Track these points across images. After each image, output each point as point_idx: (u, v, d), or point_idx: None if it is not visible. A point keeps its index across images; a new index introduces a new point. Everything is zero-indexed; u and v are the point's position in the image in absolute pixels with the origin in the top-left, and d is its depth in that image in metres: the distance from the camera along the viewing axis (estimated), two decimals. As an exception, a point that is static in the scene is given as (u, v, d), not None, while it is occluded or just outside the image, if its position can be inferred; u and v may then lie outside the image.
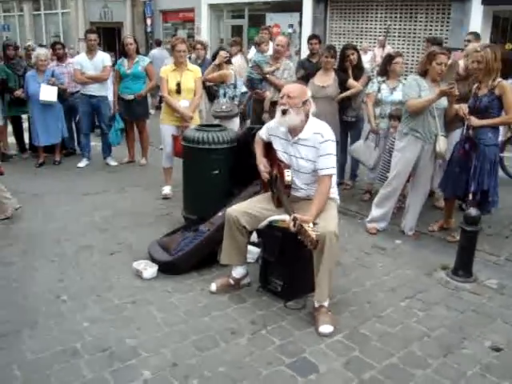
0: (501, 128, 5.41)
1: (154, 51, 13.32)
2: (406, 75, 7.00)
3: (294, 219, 3.42)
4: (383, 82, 6.01)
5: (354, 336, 3.48)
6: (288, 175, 3.73)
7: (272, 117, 6.41)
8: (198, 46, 8.66)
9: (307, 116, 3.75)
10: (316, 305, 3.63)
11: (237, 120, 6.78)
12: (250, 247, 4.21)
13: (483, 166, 4.76)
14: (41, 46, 13.58)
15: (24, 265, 4.47)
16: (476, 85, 4.83)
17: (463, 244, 4.34)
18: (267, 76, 6.66)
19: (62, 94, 7.67)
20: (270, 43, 7.80)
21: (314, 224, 3.41)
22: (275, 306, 3.83)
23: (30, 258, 4.61)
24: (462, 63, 5.80)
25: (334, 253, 3.55)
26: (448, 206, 5.36)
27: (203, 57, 8.65)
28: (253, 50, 8.63)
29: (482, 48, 4.81)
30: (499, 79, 4.68)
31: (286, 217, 3.61)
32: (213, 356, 3.23)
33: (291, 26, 17.85)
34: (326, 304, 3.61)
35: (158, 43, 14.08)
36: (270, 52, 7.90)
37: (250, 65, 7.60)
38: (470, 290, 4.17)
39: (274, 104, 6.58)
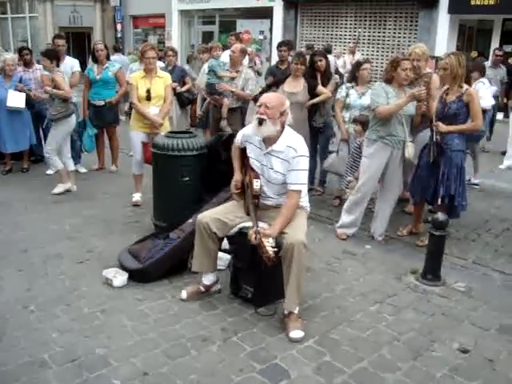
0: None
1: (114, 57, 13.12)
2: (375, 81, 7.10)
3: (256, 232, 3.45)
4: (352, 87, 6.13)
5: (325, 341, 3.50)
6: (257, 185, 3.74)
7: (230, 124, 6.46)
8: (170, 52, 8.65)
9: (283, 127, 3.74)
10: (285, 312, 3.64)
11: None
12: (220, 254, 4.21)
13: (450, 171, 4.86)
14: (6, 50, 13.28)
15: (-10, 274, 4.38)
16: (443, 90, 4.93)
17: (431, 248, 4.41)
18: (233, 90, 6.64)
19: (29, 100, 7.54)
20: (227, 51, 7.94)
21: (281, 233, 3.45)
22: (246, 312, 3.83)
23: (-4, 267, 4.52)
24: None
25: (303, 262, 3.56)
26: (417, 211, 5.45)
27: (173, 64, 8.65)
28: (225, 54, 8.72)
29: (446, 55, 4.93)
30: (466, 86, 4.79)
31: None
32: (184, 364, 3.22)
33: (262, 32, 17.96)
34: (295, 311, 3.62)
35: (117, 49, 13.92)
36: (224, 57, 8.02)
37: (207, 70, 7.70)
38: (438, 293, 4.24)
39: (231, 111, 6.63)
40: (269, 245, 3.36)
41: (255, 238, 3.46)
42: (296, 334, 3.49)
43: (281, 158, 3.70)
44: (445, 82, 4.90)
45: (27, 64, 8.13)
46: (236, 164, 4.08)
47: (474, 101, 4.78)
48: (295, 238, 3.49)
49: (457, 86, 4.79)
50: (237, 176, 4.03)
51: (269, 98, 3.77)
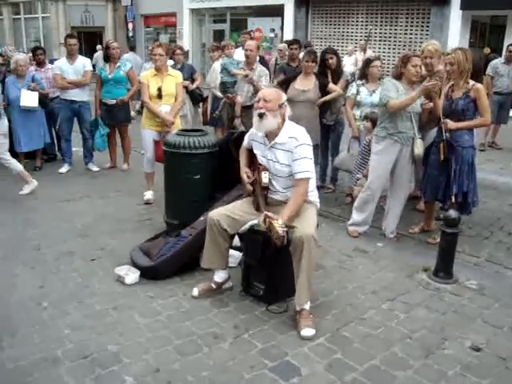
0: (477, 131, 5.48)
1: (127, 55, 13.18)
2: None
3: (266, 216, 3.50)
4: (362, 85, 6.12)
5: (336, 339, 3.49)
6: (265, 177, 3.78)
7: (243, 122, 6.47)
8: (178, 51, 8.68)
9: (283, 120, 3.77)
10: (297, 308, 3.64)
11: None
12: (231, 251, 4.22)
13: (462, 168, 4.83)
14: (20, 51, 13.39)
15: (4, 272, 4.41)
16: (448, 86, 4.90)
17: (444, 246, 4.39)
18: (247, 74, 6.67)
19: (42, 99, 7.60)
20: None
21: (291, 227, 3.49)
22: (257, 309, 3.84)
23: (9, 264, 4.55)
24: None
25: (313, 256, 3.56)
26: (428, 209, 5.42)
27: (182, 62, 8.68)
28: (237, 52, 8.76)
29: (452, 50, 4.89)
30: (472, 82, 4.76)
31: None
32: (195, 361, 3.23)
33: (273, 30, 17.95)
34: (307, 307, 3.62)
35: (131, 48, 14.00)
36: (237, 55, 8.04)
37: (220, 69, 7.73)
38: (450, 291, 4.22)
39: (245, 109, 6.64)
40: (278, 225, 3.39)
41: (264, 221, 3.49)
42: (307, 332, 3.49)
43: (284, 149, 3.73)
44: (451, 78, 4.86)
45: (40, 64, 8.20)
46: (242, 161, 4.11)
47: (481, 96, 4.76)
48: (304, 232, 3.50)
49: (463, 82, 4.77)
50: (244, 168, 4.06)
51: (266, 92, 3.83)
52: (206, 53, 11.12)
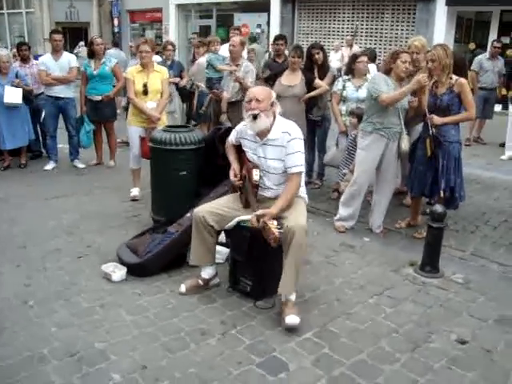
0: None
1: (111, 51, 13.07)
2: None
3: (258, 216, 3.46)
4: (348, 80, 6.13)
5: (324, 333, 3.51)
6: (256, 174, 3.76)
7: (229, 117, 6.47)
8: (169, 47, 8.64)
9: (275, 117, 3.77)
10: (282, 299, 3.64)
11: None
12: (218, 247, 4.21)
13: (449, 163, 4.86)
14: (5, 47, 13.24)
15: (-11, 270, 4.38)
16: (432, 83, 4.92)
17: (430, 240, 4.42)
18: (234, 70, 6.66)
19: (27, 96, 7.52)
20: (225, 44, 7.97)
21: (281, 218, 3.46)
22: (245, 305, 3.84)
23: (-5, 263, 4.52)
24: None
25: (303, 247, 3.57)
26: (415, 204, 5.45)
27: (172, 59, 8.65)
28: (223, 48, 8.74)
29: (432, 47, 4.93)
30: (456, 77, 4.79)
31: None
32: (183, 357, 3.23)
33: (259, 25, 17.93)
34: (292, 298, 3.62)
35: (116, 44, 13.90)
36: (223, 51, 8.05)
37: (205, 65, 7.72)
38: (436, 285, 4.25)
39: (231, 104, 6.63)
40: (274, 226, 3.37)
41: (257, 221, 3.47)
42: (291, 319, 3.48)
43: (276, 145, 3.73)
44: (434, 74, 4.87)
45: (24, 59, 8.11)
46: (231, 157, 4.09)
47: (465, 90, 4.79)
48: (296, 222, 3.51)
49: (445, 77, 4.80)
50: (234, 165, 4.04)
51: (257, 91, 3.79)
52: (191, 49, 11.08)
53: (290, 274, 3.56)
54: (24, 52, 8.13)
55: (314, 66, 6.40)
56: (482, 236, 5.37)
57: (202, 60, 8.46)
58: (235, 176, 3.96)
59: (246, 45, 8.91)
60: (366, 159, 5.14)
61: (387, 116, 4.98)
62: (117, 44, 12.83)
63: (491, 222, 5.77)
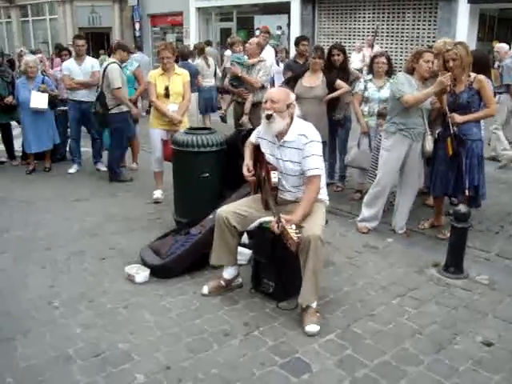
0: None
1: (135, 55, 13.20)
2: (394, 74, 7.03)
3: (278, 221, 3.44)
4: (370, 80, 6.08)
5: (347, 335, 3.49)
6: (274, 177, 3.74)
7: (251, 119, 6.48)
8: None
9: (292, 119, 3.77)
10: (303, 305, 3.63)
11: None
12: (241, 249, 4.22)
13: (472, 161, 4.81)
14: (32, 52, 13.44)
15: (15, 272, 4.45)
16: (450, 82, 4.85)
17: (454, 241, 4.37)
18: (240, 75, 6.77)
19: (53, 101, 7.64)
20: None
21: (299, 227, 3.43)
22: (267, 307, 3.84)
23: (21, 265, 4.59)
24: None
25: (320, 256, 3.54)
26: (437, 204, 5.39)
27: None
28: (228, 51, 8.78)
29: (452, 46, 4.85)
30: (474, 74, 4.74)
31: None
32: (206, 358, 3.24)
33: (280, 27, 17.91)
34: (313, 305, 3.61)
35: (139, 47, 14.05)
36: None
37: (228, 65, 7.74)
38: (461, 286, 4.20)
39: (253, 106, 6.65)
40: (292, 231, 3.35)
41: (277, 227, 3.44)
42: (311, 328, 3.49)
43: (293, 147, 3.73)
44: (454, 74, 4.78)
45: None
46: (247, 153, 4.11)
47: (484, 86, 4.74)
48: (312, 232, 3.48)
49: (465, 76, 4.74)
50: (247, 161, 4.05)
51: (273, 92, 3.83)
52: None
53: (310, 284, 3.55)
54: (64, 57, 8.52)
55: (333, 66, 6.36)
56: (507, 236, 5.29)
57: (228, 52, 8.57)
58: (248, 171, 3.97)
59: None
60: (390, 160, 5.10)
61: (410, 116, 4.93)
62: (140, 48, 12.97)
63: (516, 222, 5.69)
